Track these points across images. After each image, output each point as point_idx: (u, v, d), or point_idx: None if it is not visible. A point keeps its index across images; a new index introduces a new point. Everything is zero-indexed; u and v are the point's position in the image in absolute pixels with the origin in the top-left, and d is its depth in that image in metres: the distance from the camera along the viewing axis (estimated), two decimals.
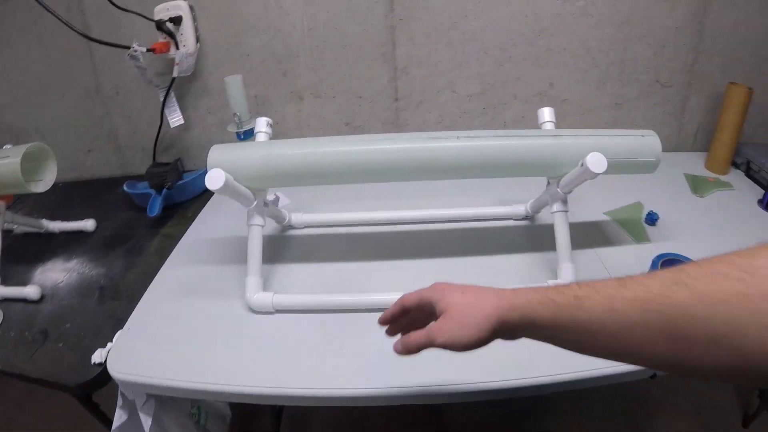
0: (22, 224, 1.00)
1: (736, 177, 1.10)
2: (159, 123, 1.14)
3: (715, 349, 0.29)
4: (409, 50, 1.12)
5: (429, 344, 0.45)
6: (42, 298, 0.87)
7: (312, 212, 0.98)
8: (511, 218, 0.96)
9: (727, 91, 1.06)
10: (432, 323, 0.46)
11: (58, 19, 0.90)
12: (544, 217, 0.96)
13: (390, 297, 0.59)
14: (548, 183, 0.81)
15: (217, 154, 0.74)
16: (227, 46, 1.12)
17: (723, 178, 1.10)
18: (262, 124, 0.82)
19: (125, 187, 1.08)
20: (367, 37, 1.10)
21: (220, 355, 0.72)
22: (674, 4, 1.05)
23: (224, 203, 1.07)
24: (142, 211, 1.06)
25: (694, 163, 1.14)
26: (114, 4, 1.00)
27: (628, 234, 0.91)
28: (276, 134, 1.09)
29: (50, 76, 1.16)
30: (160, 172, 1.08)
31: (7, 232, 1.00)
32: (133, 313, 0.80)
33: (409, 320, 0.51)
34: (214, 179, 0.67)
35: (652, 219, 0.93)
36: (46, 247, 1.02)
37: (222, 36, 1.10)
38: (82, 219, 1.05)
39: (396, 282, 0.80)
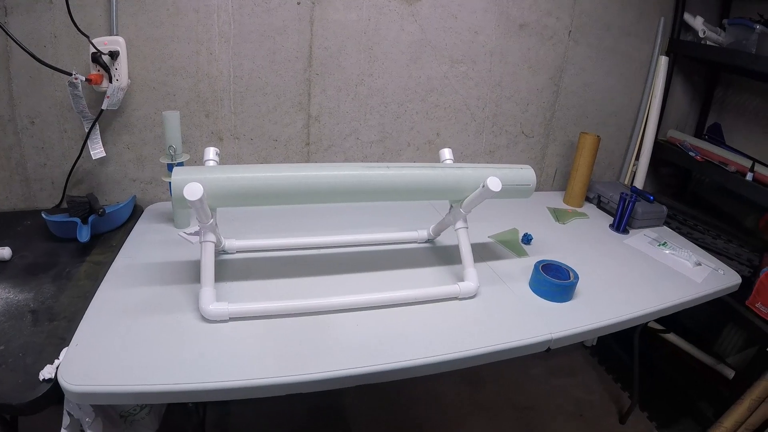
0: None
1: (590, 209, 1.61)
2: (76, 155, 1.30)
3: None
4: (321, 101, 1.44)
5: None
6: None
7: (243, 239, 1.21)
8: (416, 242, 1.30)
9: (580, 139, 1.55)
10: None
11: None
12: (443, 240, 1.31)
13: (329, 301, 1.01)
14: (451, 207, 1.15)
15: (182, 174, 0.94)
16: (155, 84, 1.33)
17: (579, 209, 1.59)
18: (211, 153, 1.06)
19: (44, 215, 1.19)
20: (286, 88, 1.40)
21: (178, 357, 0.87)
22: (537, 70, 1.55)
23: (148, 234, 1.26)
24: (61, 241, 1.17)
25: (555, 199, 1.63)
26: (80, 30, 1.18)
27: (510, 251, 1.30)
28: (195, 164, 1.32)
29: None
30: (81, 202, 1.22)
31: None
32: (78, 330, 0.90)
33: None
34: (193, 190, 0.89)
35: (527, 239, 1.34)
36: None
37: (151, 75, 1.32)
38: None
39: (329, 292, 1.07)
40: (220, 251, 1.21)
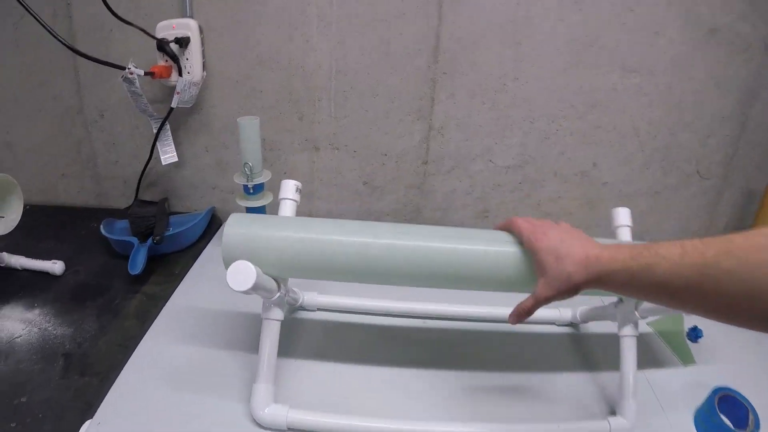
0: None
1: None
2: (147, 157, 1.16)
3: (756, 303, 0.44)
4: (448, 108, 1.15)
5: (536, 306, 0.64)
6: None
7: (327, 293, 0.99)
8: (555, 323, 1.00)
9: (766, 191, 1.15)
10: (536, 287, 0.63)
11: (41, 24, 0.88)
12: (591, 326, 1.00)
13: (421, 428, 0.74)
14: (620, 300, 0.84)
15: (236, 228, 0.71)
16: (238, 78, 1.13)
17: None
18: (289, 190, 0.81)
19: (103, 230, 1.08)
20: (403, 89, 1.13)
21: None
22: (724, 91, 1.13)
23: (217, 262, 1.06)
24: (120, 259, 1.07)
25: None
26: (114, 14, 0.99)
27: (672, 352, 0.95)
28: (279, 180, 1.16)
29: (27, 87, 1.17)
30: (144, 216, 1.09)
31: None
32: (105, 399, 0.78)
33: None
34: (242, 278, 0.63)
35: (695, 335, 0.98)
36: (5, 286, 1.01)
37: (232, 66, 1.12)
38: (50, 257, 1.05)
39: (427, 400, 0.82)
40: (296, 308, 1.00)
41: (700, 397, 0.83)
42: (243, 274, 0.64)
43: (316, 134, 1.19)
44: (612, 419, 0.79)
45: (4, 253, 1.05)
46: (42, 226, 1.22)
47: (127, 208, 1.23)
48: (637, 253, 0.54)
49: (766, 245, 0.44)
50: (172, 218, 1.19)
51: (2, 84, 1.18)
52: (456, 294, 0.85)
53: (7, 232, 0.95)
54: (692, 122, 1.17)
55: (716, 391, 0.82)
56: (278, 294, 0.74)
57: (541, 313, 0.92)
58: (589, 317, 0.97)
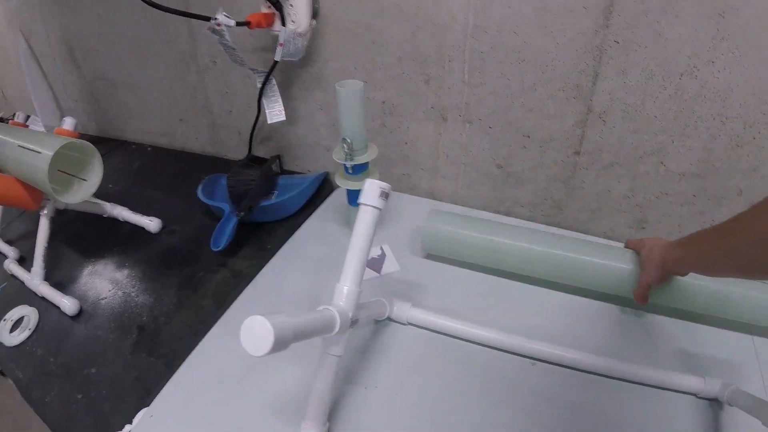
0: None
1: None
2: (257, 111, 1.08)
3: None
4: (615, 89, 0.88)
5: (645, 287, 0.79)
6: (80, 313, 0.90)
7: (422, 307, 0.84)
8: (696, 394, 0.75)
9: None
10: (640, 275, 0.81)
11: None
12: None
13: None
14: None
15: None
16: (355, 28, 0.97)
17: None
18: (372, 193, 0.67)
19: (200, 193, 1.04)
20: (559, 57, 0.88)
21: None
22: None
23: (315, 240, 1.02)
24: (216, 222, 1.01)
25: None
26: None
27: None
28: (403, 156, 1.04)
29: (147, 31, 1.14)
30: (246, 179, 1.02)
31: (61, 213, 1.03)
32: (163, 390, 0.76)
33: None
34: (259, 342, 0.50)
35: None
36: (106, 238, 1.05)
37: (349, 14, 0.96)
38: (156, 208, 1.06)
39: None
40: (384, 319, 0.86)
41: None
42: (261, 339, 0.50)
43: (444, 102, 1.00)
44: None
45: (107, 204, 1.06)
46: (156, 172, 1.23)
47: (245, 160, 1.18)
48: (700, 236, 0.67)
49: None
50: (283, 179, 1.11)
51: (122, 26, 1.16)
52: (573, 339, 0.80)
53: (87, 197, 0.94)
54: None
55: None
56: (338, 327, 0.62)
57: (676, 380, 0.77)
58: (740, 404, 0.71)
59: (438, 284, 0.93)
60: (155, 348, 0.85)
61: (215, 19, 0.88)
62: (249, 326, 0.51)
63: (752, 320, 0.83)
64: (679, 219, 0.99)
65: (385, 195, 0.68)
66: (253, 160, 1.10)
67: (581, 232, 1.05)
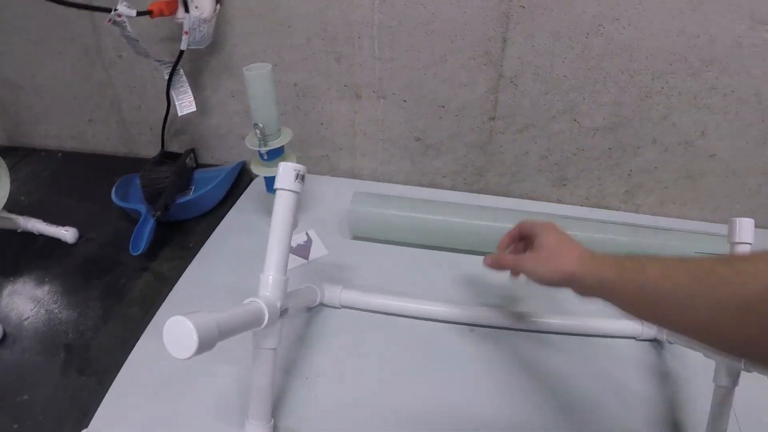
0: None
1: None
2: (167, 104, 1.05)
3: (750, 316, 0.39)
4: (524, 53, 0.90)
5: (515, 267, 0.66)
6: (4, 337, 0.84)
7: (354, 288, 0.84)
8: (636, 337, 0.81)
9: None
10: (525, 253, 0.65)
11: None
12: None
13: None
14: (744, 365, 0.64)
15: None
16: (261, 10, 0.95)
17: None
18: (288, 178, 0.65)
19: (114, 195, 1.00)
20: (467, 25, 0.89)
21: None
22: None
23: (239, 233, 1.00)
24: (134, 225, 0.98)
25: None
26: None
27: None
28: (320, 137, 1.04)
29: (45, 25, 1.07)
30: (159, 176, 0.98)
31: None
32: (99, 409, 0.72)
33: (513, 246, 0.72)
34: (183, 344, 0.46)
35: None
36: (21, 254, 0.99)
37: None
38: (70, 217, 1.01)
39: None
40: (317, 305, 0.85)
41: None
42: (186, 341, 0.47)
43: (357, 79, 0.99)
44: None
45: (21, 218, 1.00)
46: (68, 178, 1.18)
47: (158, 156, 1.14)
48: (632, 256, 0.52)
49: (765, 257, 0.41)
50: (198, 173, 1.08)
51: (19, 24, 1.09)
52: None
53: None
54: None
55: None
56: (266, 320, 0.59)
57: (615, 326, 0.83)
58: (676, 339, 0.79)
59: (368, 264, 0.93)
60: (85, 365, 0.81)
61: (116, 9, 0.85)
62: (171, 329, 0.47)
63: None
64: (597, 172, 1.03)
65: (301, 177, 0.66)
66: (166, 156, 1.06)
67: (504, 196, 1.09)
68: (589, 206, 1.09)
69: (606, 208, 1.08)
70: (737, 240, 0.67)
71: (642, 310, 0.51)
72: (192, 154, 1.08)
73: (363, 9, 0.91)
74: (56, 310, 0.90)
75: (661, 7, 0.82)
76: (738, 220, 0.67)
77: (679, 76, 0.89)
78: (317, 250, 0.95)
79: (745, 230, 0.67)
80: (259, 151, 0.89)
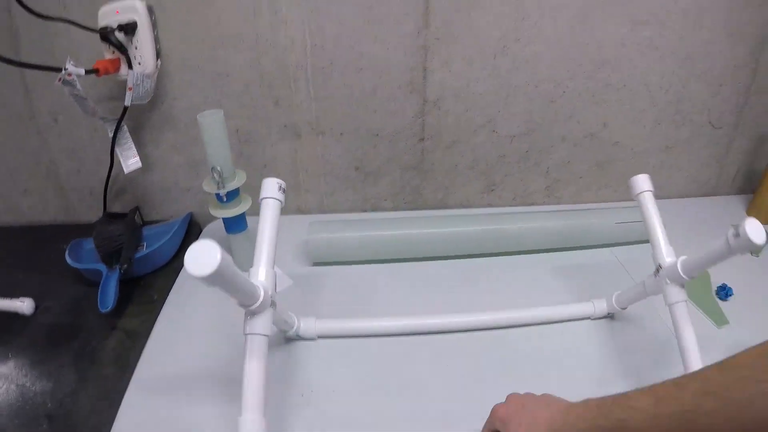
0: None
1: None
2: (110, 163, 1.06)
3: None
4: (444, 78, 1.04)
5: None
6: None
7: (329, 317, 0.89)
8: (590, 317, 0.92)
9: None
10: None
11: None
12: (632, 314, 0.92)
13: None
14: (659, 269, 0.77)
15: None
16: (199, 63, 1.01)
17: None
18: (271, 188, 0.73)
19: (68, 258, 1.00)
20: (392, 60, 1.01)
21: None
22: (738, 39, 1.08)
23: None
24: (93, 287, 0.98)
25: (736, 210, 1.26)
26: (32, 11, 0.88)
27: (704, 315, 0.92)
28: (259, 178, 1.07)
29: None
30: (112, 235, 1.00)
31: None
32: None
33: None
34: (204, 262, 0.48)
35: (725, 293, 0.96)
36: None
37: (192, 50, 1.00)
38: (20, 290, 0.97)
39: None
40: (292, 336, 0.88)
41: None
42: (207, 259, 0.49)
43: (295, 119, 1.08)
44: None
45: None
46: (9, 252, 1.15)
47: (100, 220, 1.15)
48: (606, 409, 0.50)
49: (750, 377, 0.40)
50: (147, 230, 1.10)
51: None
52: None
53: None
54: (704, 73, 1.12)
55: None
56: (261, 299, 0.63)
57: (570, 310, 0.92)
58: (628, 300, 0.88)
59: (333, 286, 1.00)
60: (73, 431, 0.80)
61: (66, 69, 0.87)
62: (196, 249, 0.49)
63: (610, 240, 1.08)
64: (519, 174, 1.19)
65: (282, 189, 0.73)
66: (111, 217, 1.08)
67: (441, 209, 1.21)
68: (517, 205, 1.23)
69: (532, 204, 1.24)
70: (639, 191, 0.81)
71: None
72: (137, 213, 1.11)
73: (296, 54, 1.01)
74: (28, 383, 0.87)
75: (553, 24, 0.99)
76: (635, 177, 0.82)
77: (577, 80, 1.06)
78: (282, 282, 1.00)
79: (643, 182, 0.81)
80: (217, 194, 0.94)
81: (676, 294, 0.74)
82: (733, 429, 0.40)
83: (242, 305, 0.63)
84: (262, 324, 0.65)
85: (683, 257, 0.73)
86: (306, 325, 0.87)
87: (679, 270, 0.72)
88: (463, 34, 0.99)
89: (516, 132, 1.12)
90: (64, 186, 1.16)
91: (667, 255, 0.76)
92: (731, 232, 0.66)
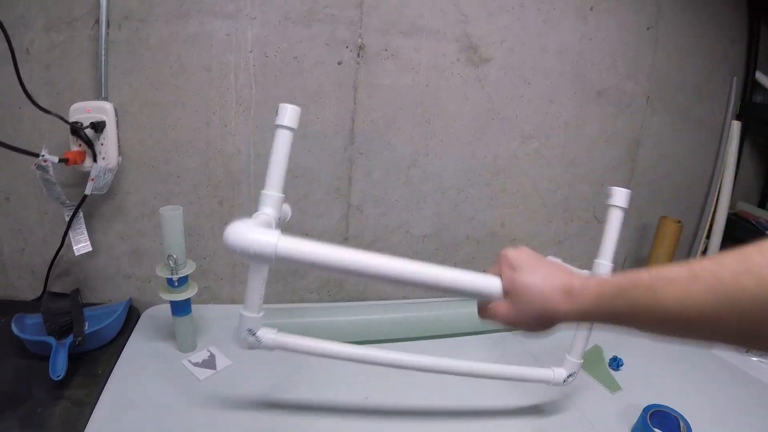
0: None
1: None
2: (58, 245, 1.15)
3: None
4: (365, 186, 1.24)
5: (495, 319, 0.62)
6: None
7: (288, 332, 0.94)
8: (548, 382, 0.98)
9: (660, 226, 1.38)
10: (501, 305, 0.62)
11: None
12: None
13: None
14: None
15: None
16: (154, 163, 1.15)
17: None
18: (289, 115, 0.87)
19: (14, 329, 1.04)
20: (322, 170, 1.21)
21: None
22: (613, 143, 1.37)
23: (143, 358, 1.09)
24: (35, 359, 1.03)
25: None
26: (34, 102, 0.99)
27: (599, 383, 1.10)
28: (203, 270, 1.21)
29: None
30: (59, 311, 1.07)
31: None
32: None
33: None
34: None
35: (616, 364, 1.15)
36: None
37: (149, 150, 1.14)
38: None
39: None
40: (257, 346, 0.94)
41: (633, 417, 0.99)
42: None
43: (235, 218, 1.19)
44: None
45: None
46: None
47: (36, 300, 1.22)
48: (635, 276, 0.49)
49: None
50: (86, 311, 1.16)
51: None
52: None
53: None
54: (587, 174, 1.39)
55: (647, 409, 0.98)
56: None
57: (530, 372, 0.99)
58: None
59: (271, 364, 1.12)
60: None
61: (42, 155, 0.99)
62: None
63: None
64: None
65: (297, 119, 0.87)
66: (53, 296, 1.16)
67: (361, 300, 1.37)
68: (429, 299, 1.38)
69: (442, 297, 1.42)
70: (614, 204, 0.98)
71: (663, 332, 0.48)
72: (78, 295, 1.18)
73: (240, 161, 1.19)
74: None
75: (456, 141, 1.25)
76: (615, 188, 0.98)
77: (477, 187, 1.31)
78: (222, 362, 1.11)
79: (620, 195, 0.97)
80: (170, 279, 1.06)
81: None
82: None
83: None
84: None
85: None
86: (264, 333, 0.93)
87: (601, 261, 0.95)
88: (383, 148, 1.22)
89: (427, 232, 1.34)
90: (6, 263, 1.23)
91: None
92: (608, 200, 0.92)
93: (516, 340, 1.24)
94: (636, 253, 1.57)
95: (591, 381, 1.12)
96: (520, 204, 1.38)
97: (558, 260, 0.66)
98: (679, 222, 1.37)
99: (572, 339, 0.98)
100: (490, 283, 0.65)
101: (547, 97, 1.29)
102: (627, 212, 1.40)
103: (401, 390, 1.06)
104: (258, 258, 0.65)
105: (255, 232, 0.67)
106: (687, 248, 1.65)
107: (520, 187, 1.36)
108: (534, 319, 0.58)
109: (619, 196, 0.93)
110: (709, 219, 1.58)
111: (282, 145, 0.87)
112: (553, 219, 1.43)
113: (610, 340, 1.23)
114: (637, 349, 1.23)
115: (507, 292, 0.61)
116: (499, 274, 0.63)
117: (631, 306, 0.48)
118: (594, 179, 1.41)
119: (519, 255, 0.62)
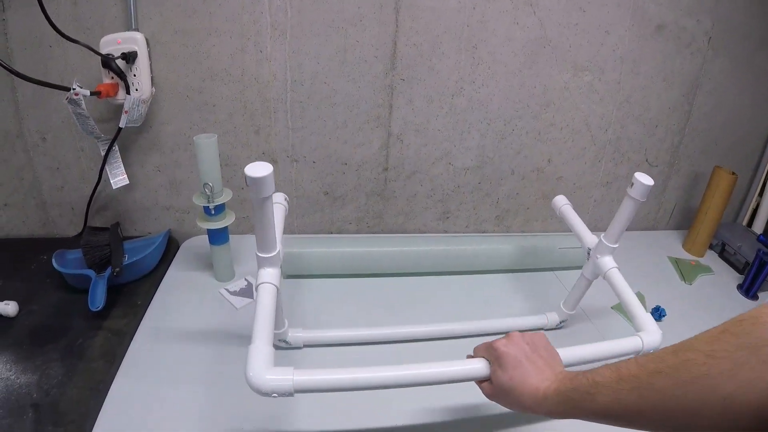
0: None
1: (712, 259, 1.37)
2: (96, 180, 1.15)
3: (696, 418, 0.46)
4: (406, 115, 1.19)
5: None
6: None
7: (313, 328, 0.98)
8: (544, 328, 1.05)
9: (713, 176, 1.30)
10: (486, 384, 0.71)
11: None
12: (583, 317, 1.08)
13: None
14: (588, 253, 0.94)
15: None
16: (188, 92, 1.13)
17: (702, 260, 1.36)
18: (280, 198, 0.95)
19: (55, 264, 1.05)
20: (361, 97, 1.16)
21: None
22: (671, 84, 1.28)
23: (181, 289, 1.10)
24: (76, 293, 1.05)
25: (674, 244, 1.44)
26: (60, 32, 0.97)
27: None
28: (241, 200, 1.20)
29: None
30: (98, 245, 1.08)
31: None
32: None
33: None
34: (259, 170, 0.71)
35: (659, 314, 1.10)
36: None
37: (182, 80, 1.12)
38: (0, 297, 1.01)
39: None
40: (280, 343, 0.96)
41: None
42: (261, 169, 0.72)
43: (273, 147, 1.21)
44: (643, 336, 0.86)
45: None
46: None
47: (77, 237, 1.23)
48: (578, 382, 0.61)
49: (694, 360, 0.47)
50: (126, 244, 1.17)
51: None
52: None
53: None
54: (641, 115, 1.31)
55: None
56: (278, 250, 0.78)
57: (525, 321, 1.06)
58: (575, 301, 1.02)
59: (305, 296, 1.11)
60: (59, 418, 0.83)
61: (73, 88, 0.97)
62: (255, 166, 0.72)
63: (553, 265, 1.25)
64: (472, 204, 1.35)
65: (286, 199, 0.96)
66: (94, 230, 1.16)
67: (401, 233, 1.34)
68: (469, 233, 1.39)
69: (483, 232, 1.40)
70: (561, 205, 1.02)
71: (606, 423, 0.58)
72: (118, 228, 1.19)
73: (277, 89, 1.15)
74: (13, 377, 0.90)
75: (505, 69, 1.18)
76: (555, 198, 1.03)
77: (525, 119, 1.24)
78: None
79: (561, 200, 1.02)
80: (206, 207, 1.05)
81: (608, 262, 0.91)
82: (677, 405, 0.47)
83: (260, 251, 0.77)
84: (272, 273, 0.79)
85: (602, 233, 0.91)
86: (294, 334, 0.97)
87: (604, 241, 0.90)
88: (426, 75, 1.16)
89: (470, 165, 1.29)
90: (46, 201, 1.23)
91: (591, 240, 0.95)
92: (629, 187, 0.86)
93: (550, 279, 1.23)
94: (686, 202, 1.49)
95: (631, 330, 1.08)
96: (569, 140, 1.31)
97: (548, 345, 0.73)
98: (733, 174, 1.29)
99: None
100: (477, 371, 0.73)
101: (603, 28, 1.20)
102: (678, 160, 1.40)
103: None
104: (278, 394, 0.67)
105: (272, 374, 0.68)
106: (738, 203, 1.56)
107: (569, 122, 1.29)
108: (512, 408, 0.70)
109: (639, 189, 0.87)
110: (763, 176, 1.49)
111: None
112: (603, 159, 1.36)
113: (653, 289, 1.18)
114: (680, 301, 1.19)
115: (491, 380, 0.71)
116: (487, 359, 0.72)
117: (578, 409, 0.60)
118: (648, 120, 1.33)
119: (507, 351, 0.70)
